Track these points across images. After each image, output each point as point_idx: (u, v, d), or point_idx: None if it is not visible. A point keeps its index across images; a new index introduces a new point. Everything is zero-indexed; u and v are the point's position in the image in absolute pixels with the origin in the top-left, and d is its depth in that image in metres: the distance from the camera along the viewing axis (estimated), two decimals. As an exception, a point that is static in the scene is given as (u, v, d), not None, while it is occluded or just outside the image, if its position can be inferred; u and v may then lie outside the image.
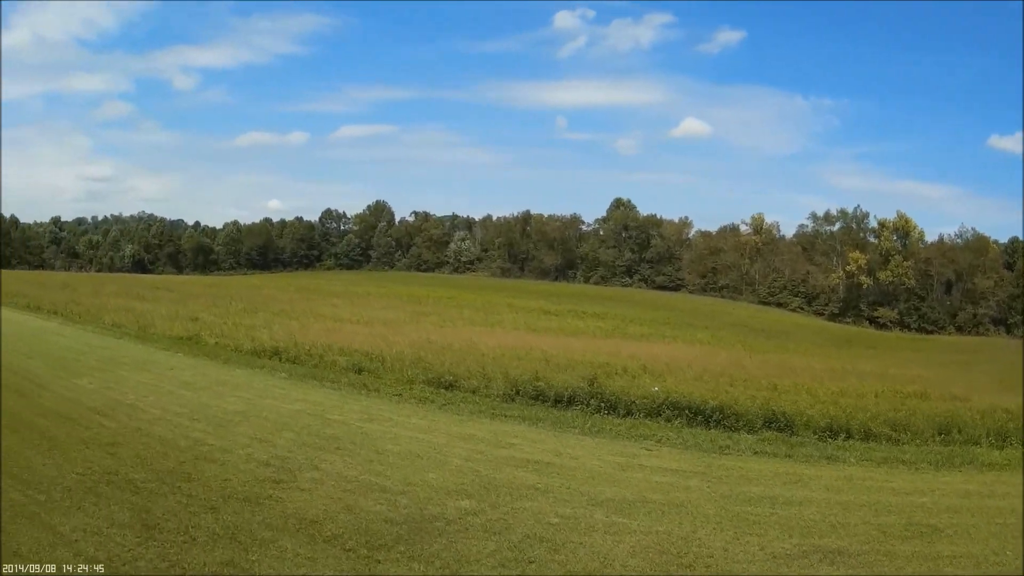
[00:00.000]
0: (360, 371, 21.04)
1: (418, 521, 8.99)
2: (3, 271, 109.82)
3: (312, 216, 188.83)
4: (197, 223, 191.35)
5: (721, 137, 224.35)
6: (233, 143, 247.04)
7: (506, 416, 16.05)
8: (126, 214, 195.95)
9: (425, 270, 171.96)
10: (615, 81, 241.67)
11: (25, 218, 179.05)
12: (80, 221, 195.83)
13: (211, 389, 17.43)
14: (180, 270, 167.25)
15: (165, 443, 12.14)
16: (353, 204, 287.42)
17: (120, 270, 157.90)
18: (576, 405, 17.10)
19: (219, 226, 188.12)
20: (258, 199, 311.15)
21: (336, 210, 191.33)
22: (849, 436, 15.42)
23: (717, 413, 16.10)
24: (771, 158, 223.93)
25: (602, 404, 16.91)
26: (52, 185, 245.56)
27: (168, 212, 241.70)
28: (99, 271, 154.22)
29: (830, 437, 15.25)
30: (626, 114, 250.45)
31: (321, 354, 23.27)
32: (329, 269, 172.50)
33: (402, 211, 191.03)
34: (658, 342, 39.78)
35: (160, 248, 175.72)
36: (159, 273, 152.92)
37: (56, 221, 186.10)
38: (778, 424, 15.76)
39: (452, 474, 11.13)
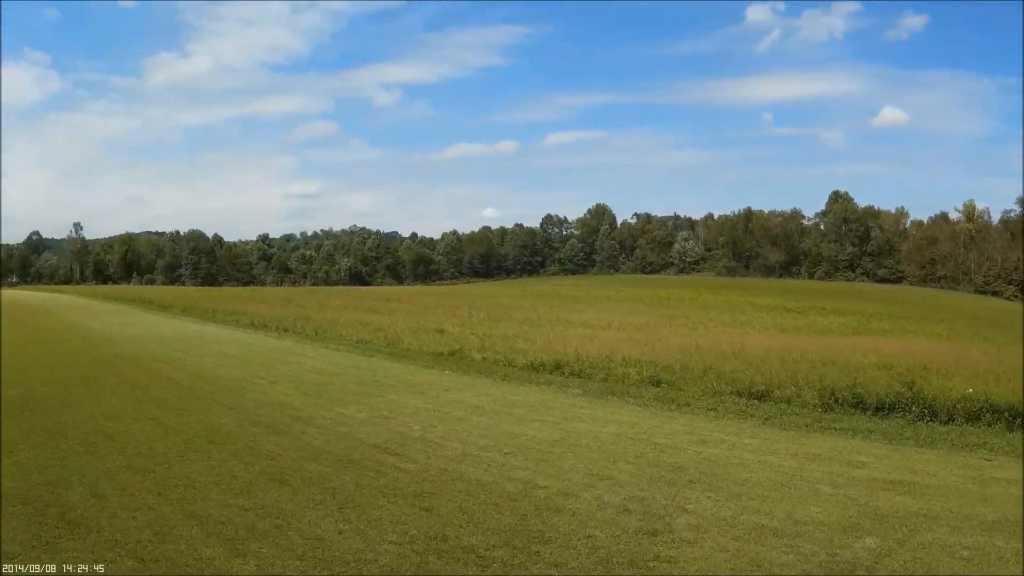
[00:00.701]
0: (658, 383, 19.56)
1: (836, 572, 7.73)
2: (213, 288, 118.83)
3: (528, 223, 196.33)
4: (414, 234, 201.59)
5: (919, 124, 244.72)
6: (442, 155, 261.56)
7: (835, 429, 14.88)
8: (336, 228, 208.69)
9: (650, 272, 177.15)
10: (814, 73, 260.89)
11: (229, 237, 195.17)
12: (288, 238, 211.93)
13: (506, 413, 15.87)
14: (400, 281, 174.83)
15: (487, 489, 10.30)
16: (569, 209, 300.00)
17: (336, 283, 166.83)
18: (896, 412, 16.29)
19: (436, 236, 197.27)
20: (473, 208, 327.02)
21: (556, 215, 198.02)
22: None
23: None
24: (966, 141, 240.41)
25: (924, 410, 16.15)
26: (256, 205, 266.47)
27: (380, 225, 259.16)
28: (315, 285, 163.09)
29: None
30: (828, 105, 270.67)
31: (607, 366, 21.79)
32: (554, 274, 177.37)
33: (622, 214, 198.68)
34: (902, 337, 38.50)
35: (378, 260, 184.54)
36: (378, 284, 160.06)
37: (264, 238, 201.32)
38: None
39: (832, 505, 9.84)
